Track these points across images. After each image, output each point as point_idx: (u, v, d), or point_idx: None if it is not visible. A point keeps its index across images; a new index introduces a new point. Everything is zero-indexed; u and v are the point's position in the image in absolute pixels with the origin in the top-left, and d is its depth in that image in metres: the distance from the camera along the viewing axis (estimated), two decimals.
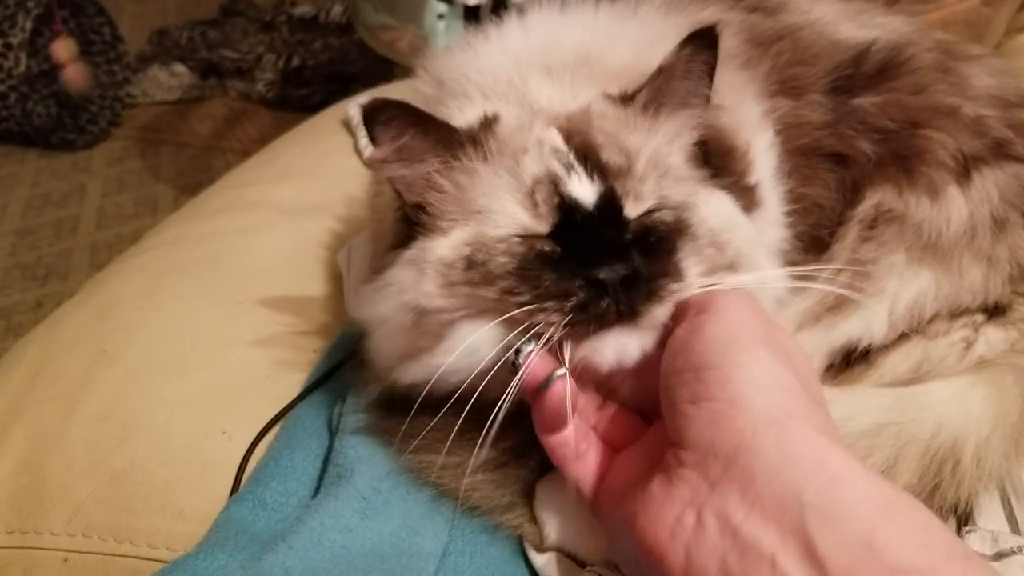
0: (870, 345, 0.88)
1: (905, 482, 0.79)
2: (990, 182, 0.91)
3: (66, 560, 0.92)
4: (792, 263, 0.88)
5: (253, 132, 3.67)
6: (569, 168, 0.74)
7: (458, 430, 0.79)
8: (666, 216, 0.75)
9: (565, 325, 0.70)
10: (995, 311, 0.91)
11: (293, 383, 1.01)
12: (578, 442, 0.74)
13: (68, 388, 1.03)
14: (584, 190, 0.74)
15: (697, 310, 0.71)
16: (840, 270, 0.86)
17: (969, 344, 0.91)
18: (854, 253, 0.89)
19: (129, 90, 3.82)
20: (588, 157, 0.75)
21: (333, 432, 0.89)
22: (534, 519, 0.80)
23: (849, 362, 0.90)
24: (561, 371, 0.70)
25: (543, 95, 0.83)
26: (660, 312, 0.71)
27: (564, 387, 0.70)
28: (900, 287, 0.89)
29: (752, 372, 0.64)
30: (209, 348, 1.06)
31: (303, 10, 4.28)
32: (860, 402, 0.87)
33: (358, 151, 1.46)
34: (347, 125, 1.54)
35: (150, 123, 3.84)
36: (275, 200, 1.33)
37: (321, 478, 0.86)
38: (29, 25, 3.34)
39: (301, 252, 1.21)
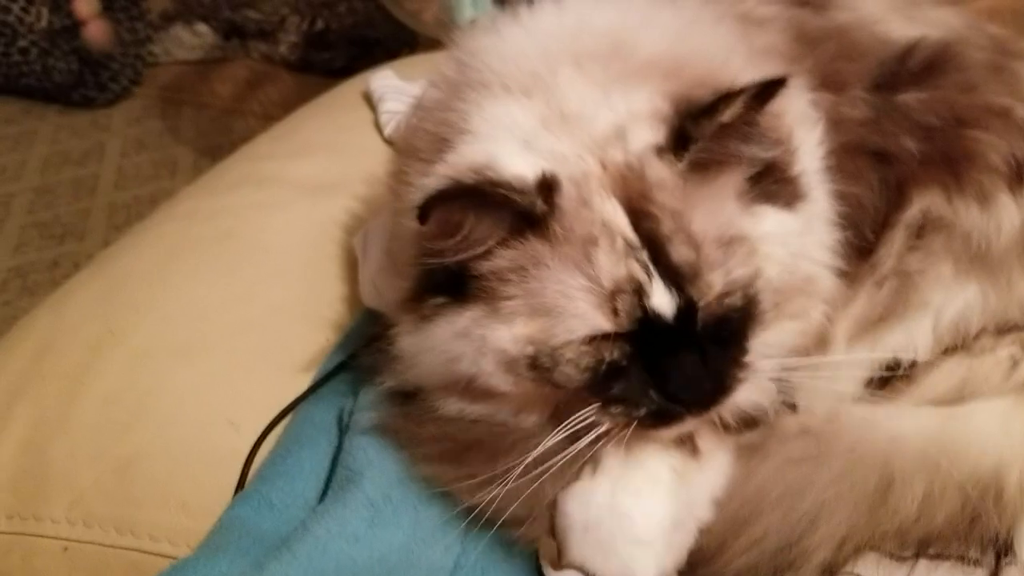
0: (913, 361, 0.84)
1: (946, 513, 0.75)
2: None
3: (66, 549, 0.89)
4: (842, 273, 0.83)
5: (275, 95, 3.62)
6: (648, 273, 0.71)
7: (475, 443, 0.77)
8: (736, 300, 0.73)
9: (633, 425, 0.74)
10: None
11: (305, 373, 0.98)
12: None
13: (73, 369, 1.00)
14: (665, 302, 0.71)
15: None
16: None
17: (1016, 363, 0.86)
18: (900, 263, 0.84)
19: (151, 48, 3.77)
20: (660, 256, 0.71)
21: (344, 430, 0.86)
22: (552, 533, 0.77)
23: (892, 376, 0.86)
24: None
25: (573, 96, 0.77)
26: (727, 401, 0.74)
27: None
28: (945, 300, 0.84)
29: None
30: (219, 331, 1.03)
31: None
32: (904, 424, 0.83)
33: (378, 126, 1.42)
34: (368, 98, 1.49)
35: (171, 83, 3.80)
36: (292, 176, 1.29)
37: (329, 479, 0.83)
38: None
39: (317, 232, 1.17)
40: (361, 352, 0.92)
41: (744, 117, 0.72)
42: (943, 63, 0.89)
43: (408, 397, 0.83)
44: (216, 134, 3.48)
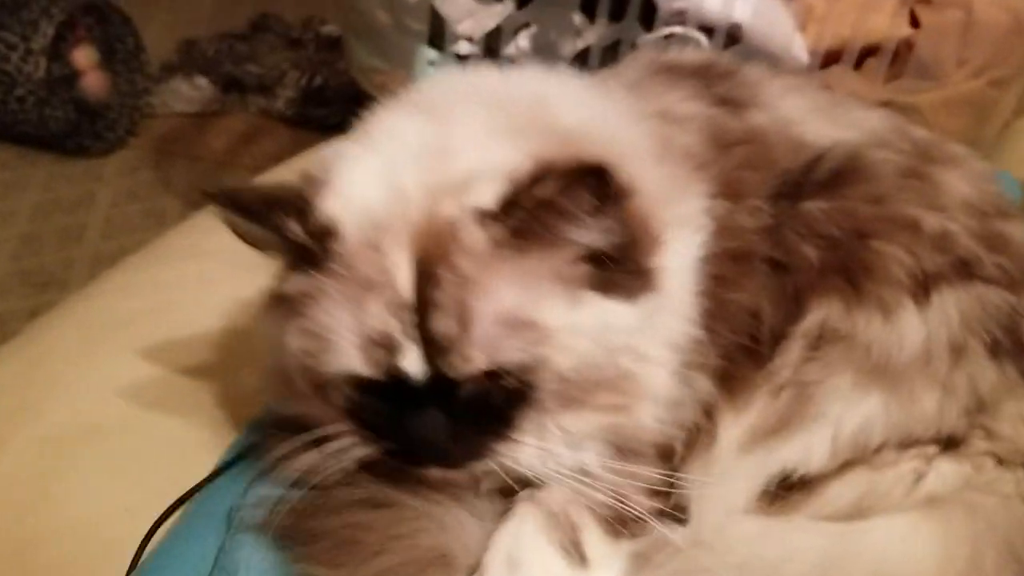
0: (806, 474, 0.82)
1: None
2: (950, 303, 0.84)
3: None
4: (716, 371, 0.83)
5: (269, 149, 3.64)
6: (407, 335, 0.72)
7: (353, 542, 0.75)
8: (508, 382, 0.73)
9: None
10: (949, 443, 0.85)
11: (209, 460, 0.97)
12: None
13: None
14: (415, 366, 0.73)
15: None
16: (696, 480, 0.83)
17: (920, 477, 0.85)
18: (796, 374, 0.83)
19: (149, 100, 3.81)
20: (426, 321, 0.72)
21: (230, 525, 0.85)
22: None
23: (787, 487, 0.84)
24: None
25: (459, 131, 0.79)
26: (483, 466, 0.77)
27: None
28: (845, 411, 0.83)
29: None
30: (131, 412, 1.02)
31: (330, 29, 4.25)
32: (798, 539, 0.81)
33: None
34: None
35: (167, 134, 3.82)
36: (235, 250, 1.28)
37: None
38: (51, 31, 3.34)
39: (249, 312, 1.16)
40: (258, 447, 0.91)
41: (563, 197, 0.71)
42: (850, 173, 0.88)
43: (296, 485, 0.83)
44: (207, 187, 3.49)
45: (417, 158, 0.78)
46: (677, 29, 1.57)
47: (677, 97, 0.96)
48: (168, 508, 0.90)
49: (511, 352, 0.72)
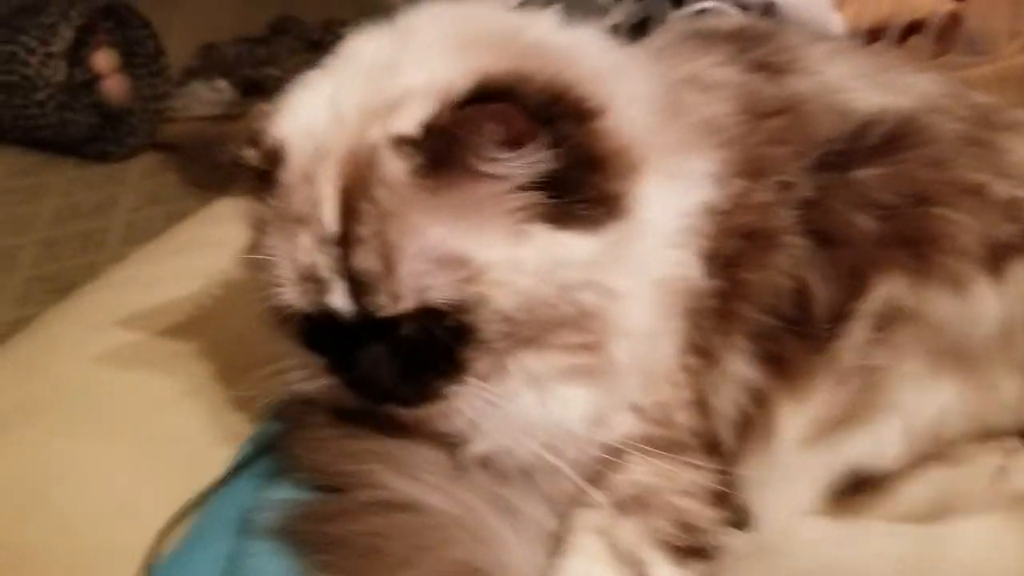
0: (878, 471, 0.74)
1: None
2: None
3: None
4: (757, 354, 0.76)
5: None
6: (333, 273, 0.69)
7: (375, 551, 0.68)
8: (446, 321, 0.68)
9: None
10: None
11: (223, 457, 0.90)
12: None
13: None
14: (342, 304, 0.70)
15: None
16: None
17: (1002, 473, 0.76)
18: (864, 358, 0.75)
19: (170, 103, 3.78)
20: (349, 257, 0.69)
21: (243, 530, 0.78)
22: None
23: (856, 485, 0.76)
24: None
25: (414, 46, 0.74)
26: (433, 406, 0.72)
27: None
28: (918, 400, 0.75)
29: None
30: (139, 407, 0.95)
31: (350, 30, 4.20)
32: (872, 544, 0.73)
33: None
34: None
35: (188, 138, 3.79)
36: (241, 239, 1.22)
37: None
38: (71, 35, 3.32)
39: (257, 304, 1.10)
40: (273, 444, 0.84)
41: (464, 128, 0.66)
42: (906, 136, 0.80)
43: (316, 488, 0.76)
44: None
45: (364, 78, 0.73)
46: (709, 4, 1.49)
47: (708, 63, 0.88)
48: (178, 512, 0.84)
49: (440, 291, 0.67)
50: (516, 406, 0.73)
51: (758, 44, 0.92)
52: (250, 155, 0.74)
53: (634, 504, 0.74)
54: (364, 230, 0.67)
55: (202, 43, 4.20)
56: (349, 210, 0.68)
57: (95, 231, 3.26)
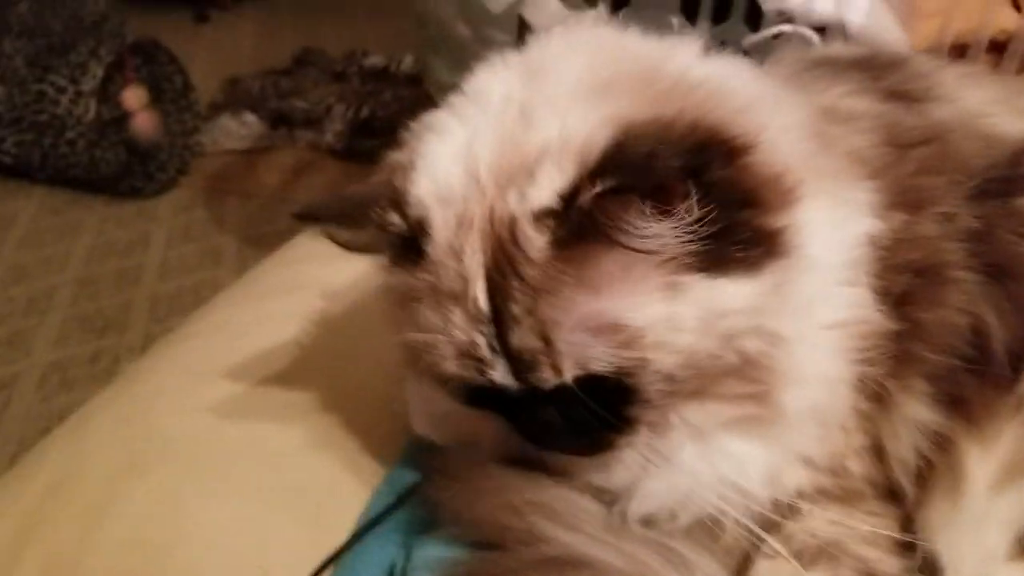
0: None
1: None
2: None
3: None
4: (937, 397, 0.72)
5: (320, 183, 3.60)
6: (491, 351, 0.66)
7: None
8: (602, 387, 0.65)
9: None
10: None
11: (349, 516, 0.85)
12: None
13: (89, 506, 0.88)
14: (505, 379, 0.67)
15: None
16: None
17: None
18: None
19: (199, 138, 3.78)
20: (505, 336, 0.65)
21: None
22: None
23: None
24: None
25: (546, 94, 0.69)
26: (605, 454, 0.70)
27: None
28: None
29: None
30: (250, 465, 0.91)
31: (374, 60, 4.22)
32: None
33: None
34: None
35: (218, 172, 3.79)
36: (337, 280, 1.19)
37: None
38: (100, 72, 3.32)
39: (370, 342, 1.06)
40: (412, 494, 0.80)
41: (615, 205, 0.61)
42: None
43: (473, 544, 0.73)
44: (261, 223, 3.45)
45: (496, 129, 0.68)
46: (787, 28, 1.46)
47: (841, 91, 0.84)
48: (313, 573, 0.79)
49: (601, 360, 0.64)
50: (682, 461, 0.70)
51: (889, 72, 0.88)
52: (395, 222, 0.70)
53: (818, 554, 0.70)
54: (516, 308, 0.64)
55: (226, 78, 4.21)
56: (498, 287, 0.65)
57: (130, 268, 3.24)
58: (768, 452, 0.70)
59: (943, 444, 0.72)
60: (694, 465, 0.70)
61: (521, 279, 0.63)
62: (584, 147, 0.63)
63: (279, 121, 3.90)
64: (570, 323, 0.63)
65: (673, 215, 0.61)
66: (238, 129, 3.86)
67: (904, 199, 0.74)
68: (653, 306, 0.63)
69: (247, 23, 5.05)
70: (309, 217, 0.75)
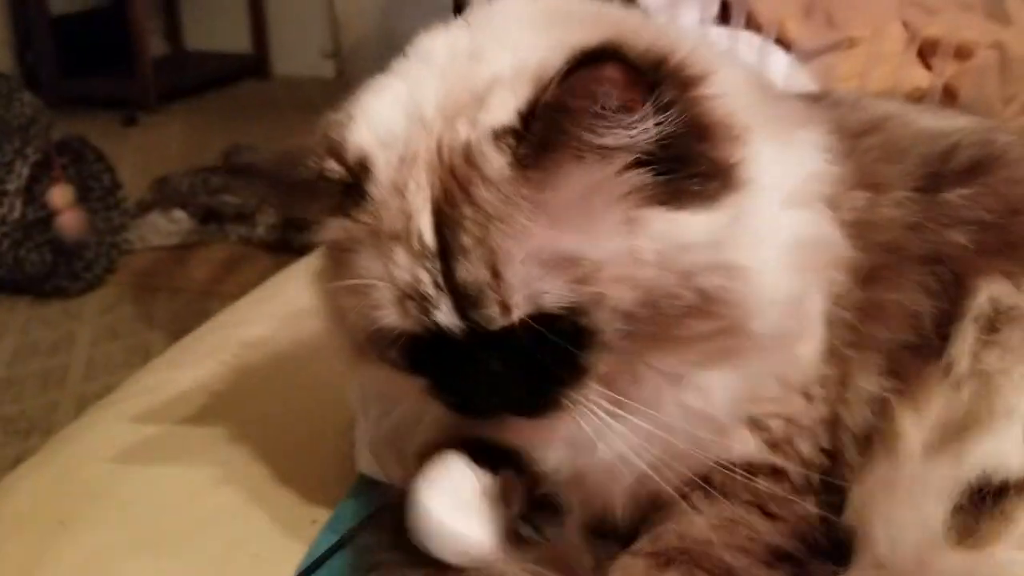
0: (1006, 481, 0.70)
1: None
2: None
3: None
4: (882, 368, 0.73)
5: (252, 276, 3.55)
6: (437, 286, 0.64)
7: None
8: (556, 327, 0.64)
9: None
10: None
11: (288, 567, 0.83)
12: None
13: (21, 565, 0.85)
14: (449, 320, 0.65)
15: None
16: None
17: None
18: (976, 363, 0.72)
19: (126, 236, 3.74)
20: (452, 269, 0.64)
21: None
22: None
23: (978, 509, 0.72)
24: None
25: (496, 29, 0.71)
26: (552, 416, 0.67)
27: None
28: None
29: None
30: (188, 520, 0.88)
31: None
32: None
33: None
34: None
35: (146, 269, 3.75)
36: (273, 342, 1.18)
37: None
38: (26, 172, 3.28)
39: (303, 398, 1.05)
40: (358, 531, 0.78)
41: (578, 96, 0.61)
42: (989, 160, 0.80)
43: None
44: (191, 318, 3.37)
45: (442, 73, 0.69)
46: None
47: (792, 107, 0.89)
48: None
49: (554, 295, 0.62)
50: (652, 412, 0.68)
51: (823, 98, 0.94)
52: (334, 168, 0.68)
53: (678, 556, 0.70)
54: (466, 238, 0.63)
55: (154, 177, 4.20)
56: (446, 218, 0.64)
57: (55, 369, 3.16)
58: (742, 376, 0.70)
59: (884, 412, 0.74)
60: (668, 410, 0.69)
61: (474, 205, 0.63)
62: (539, 69, 0.64)
63: (209, 217, 3.88)
64: (522, 254, 0.62)
65: (632, 117, 0.62)
66: (167, 226, 3.84)
67: (865, 181, 0.77)
68: (613, 239, 0.63)
69: (175, 124, 5.07)
70: (242, 170, 0.73)
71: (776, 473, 0.75)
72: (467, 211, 0.63)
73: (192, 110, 5.28)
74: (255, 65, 5.76)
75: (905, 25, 1.57)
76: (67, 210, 3.46)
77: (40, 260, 3.42)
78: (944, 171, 0.79)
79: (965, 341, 0.73)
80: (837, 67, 1.61)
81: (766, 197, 0.68)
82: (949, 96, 1.47)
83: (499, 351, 0.65)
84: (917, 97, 1.47)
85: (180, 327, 3.29)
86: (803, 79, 1.58)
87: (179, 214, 3.89)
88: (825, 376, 0.74)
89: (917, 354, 0.74)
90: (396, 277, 0.65)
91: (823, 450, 0.76)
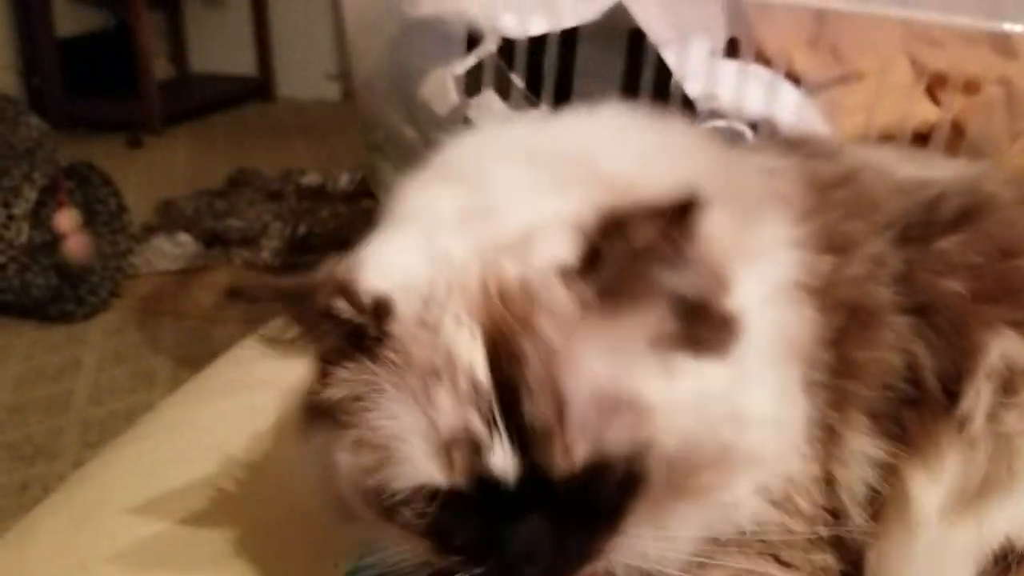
0: None
1: None
2: None
3: None
4: (878, 430, 0.73)
5: None
6: (492, 427, 0.60)
7: None
8: (609, 475, 0.61)
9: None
10: None
11: None
12: None
13: None
14: (506, 465, 0.60)
15: None
16: None
17: None
18: (993, 423, 0.73)
19: (132, 260, 3.75)
20: (512, 408, 0.60)
21: None
22: None
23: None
24: None
25: (502, 188, 0.70)
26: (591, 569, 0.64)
27: None
28: None
29: None
30: (207, 558, 0.89)
31: (310, 179, 4.28)
32: None
33: None
34: None
35: (151, 293, 3.75)
36: (290, 378, 1.18)
37: None
38: (34, 196, 3.30)
39: None
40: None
41: (663, 240, 0.60)
42: (979, 207, 0.81)
43: None
44: (195, 343, 3.40)
45: (457, 223, 0.68)
46: (720, 123, 1.54)
47: (765, 156, 0.90)
48: None
49: (616, 438, 0.61)
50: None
51: (804, 144, 0.95)
52: (343, 307, 0.63)
53: None
54: (529, 374, 0.60)
55: (160, 200, 4.22)
56: (504, 353, 0.61)
57: (60, 394, 3.16)
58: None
59: (890, 473, 0.74)
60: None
61: (538, 340, 0.60)
62: (578, 220, 0.62)
63: (214, 241, 3.90)
64: (586, 393, 0.60)
65: (684, 254, 0.62)
66: (172, 250, 3.85)
67: (832, 243, 0.77)
68: (660, 382, 0.62)
69: (180, 147, 5.09)
70: (241, 296, 0.68)
71: (783, 527, 0.74)
72: (529, 346, 0.60)
73: (197, 132, 5.31)
74: (260, 87, 5.80)
75: (912, 61, 1.57)
76: (73, 234, 3.47)
77: (46, 284, 3.43)
78: (933, 220, 0.80)
79: (980, 399, 0.73)
80: (844, 100, 1.61)
81: (757, 344, 0.68)
82: (957, 132, 1.48)
83: (549, 504, 0.61)
84: (926, 131, 1.48)
85: (185, 352, 3.31)
86: (813, 116, 1.59)
87: (184, 237, 3.91)
88: (812, 436, 0.73)
89: (921, 410, 0.74)
90: (438, 423, 0.61)
91: (824, 508, 0.75)
